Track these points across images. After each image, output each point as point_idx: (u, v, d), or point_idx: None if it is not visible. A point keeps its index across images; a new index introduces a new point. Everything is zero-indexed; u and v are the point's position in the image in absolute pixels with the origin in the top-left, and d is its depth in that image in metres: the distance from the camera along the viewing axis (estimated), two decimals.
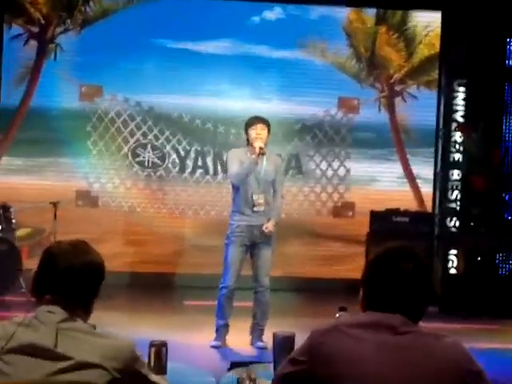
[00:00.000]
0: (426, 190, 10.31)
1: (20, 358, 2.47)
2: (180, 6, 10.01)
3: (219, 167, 10.14)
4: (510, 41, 10.12)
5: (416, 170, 10.34)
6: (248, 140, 6.75)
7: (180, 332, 6.98)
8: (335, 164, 10.33)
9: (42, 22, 9.91)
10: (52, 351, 2.46)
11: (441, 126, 10.21)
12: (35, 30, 9.92)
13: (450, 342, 2.47)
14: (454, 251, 9.48)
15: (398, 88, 10.35)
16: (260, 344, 6.68)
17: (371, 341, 2.42)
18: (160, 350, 3.24)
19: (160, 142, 10.12)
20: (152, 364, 3.21)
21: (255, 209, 6.67)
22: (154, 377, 2.72)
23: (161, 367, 3.22)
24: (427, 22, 10.31)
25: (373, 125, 10.31)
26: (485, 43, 9.79)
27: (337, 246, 10.20)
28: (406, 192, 10.26)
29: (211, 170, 10.18)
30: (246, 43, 10.13)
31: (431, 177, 10.30)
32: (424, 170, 10.33)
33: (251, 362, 3.94)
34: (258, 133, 6.67)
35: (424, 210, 10.11)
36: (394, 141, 10.35)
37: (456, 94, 10.09)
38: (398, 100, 10.35)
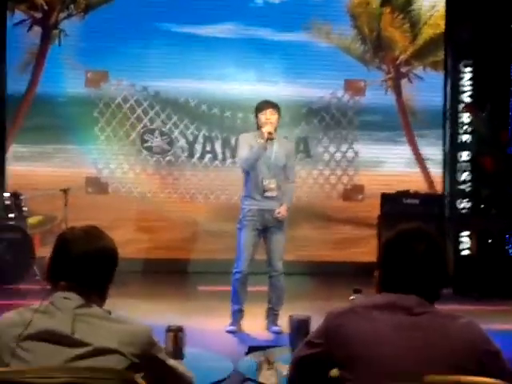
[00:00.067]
0: (436, 171, 10.30)
1: (38, 345, 2.48)
2: None
3: (228, 152, 10.13)
4: None
5: (424, 151, 10.32)
6: (258, 124, 6.72)
7: (195, 318, 6.97)
8: (343, 147, 10.31)
9: (45, 7, 9.88)
10: (69, 337, 2.47)
11: (448, 107, 10.19)
12: (38, 15, 9.89)
13: (466, 323, 2.48)
14: (465, 233, 9.47)
15: (404, 69, 10.32)
16: (275, 328, 6.67)
17: (387, 322, 2.43)
18: (177, 334, 3.26)
19: (168, 127, 10.11)
20: (169, 349, 3.22)
21: (266, 194, 6.65)
22: (171, 361, 2.73)
23: (178, 352, 3.23)
24: (432, 2, 10.27)
25: (380, 107, 10.29)
26: (490, 23, 9.74)
27: (348, 229, 10.20)
28: (415, 174, 10.25)
29: (220, 156, 10.17)
30: (250, 26, 10.09)
31: (440, 158, 10.28)
32: (433, 152, 10.30)
33: (268, 347, 3.96)
34: (268, 117, 6.63)
35: (434, 191, 10.10)
36: (402, 123, 10.32)
37: (462, 75, 10.06)
38: (404, 81, 10.32)
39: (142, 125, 10.05)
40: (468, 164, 10.04)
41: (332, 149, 10.30)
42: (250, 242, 6.66)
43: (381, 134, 10.30)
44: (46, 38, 9.90)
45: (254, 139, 6.68)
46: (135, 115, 10.04)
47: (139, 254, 9.64)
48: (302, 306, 6.51)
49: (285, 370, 2.96)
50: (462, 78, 10.06)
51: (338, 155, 10.31)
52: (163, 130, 10.09)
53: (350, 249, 10.09)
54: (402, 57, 10.29)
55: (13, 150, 9.86)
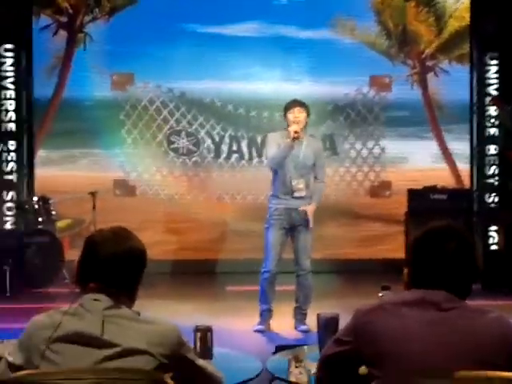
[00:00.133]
0: (463, 166, 10.23)
1: (67, 347, 2.50)
2: None
3: (254, 152, 10.13)
4: None
5: (452, 146, 10.24)
6: (287, 124, 6.70)
7: (223, 318, 6.98)
8: (370, 143, 10.27)
9: (70, 11, 9.93)
10: (99, 339, 2.49)
11: (474, 101, 10.11)
12: (64, 19, 9.94)
13: (495, 317, 2.47)
14: (493, 227, 9.40)
15: (429, 63, 10.25)
16: (303, 327, 6.67)
17: (416, 319, 2.42)
18: (205, 334, 3.26)
19: (194, 127, 10.13)
20: (198, 349, 3.22)
21: (295, 194, 6.64)
22: (200, 361, 2.74)
23: (207, 352, 3.23)
24: None
25: (406, 102, 10.24)
26: None
27: (375, 226, 10.16)
28: (442, 169, 10.18)
29: (246, 155, 10.17)
30: (274, 24, 10.06)
31: (467, 153, 10.21)
32: (460, 146, 10.23)
33: (296, 345, 3.96)
34: (296, 116, 6.61)
35: (461, 186, 10.03)
36: (428, 117, 10.26)
37: (488, 68, 9.98)
38: (430, 76, 10.25)
39: (168, 126, 10.07)
40: (496, 158, 9.96)
41: (358, 145, 10.26)
42: (277, 241, 6.65)
43: (407, 130, 10.25)
44: (71, 42, 9.96)
45: (281, 138, 6.67)
46: (161, 117, 10.07)
47: (167, 255, 9.65)
48: (330, 304, 6.51)
49: (313, 368, 2.95)
50: (487, 71, 9.99)
51: (365, 152, 10.27)
52: (189, 130, 10.11)
53: (378, 246, 10.05)
54: (428, 51, 10.22)
55: (41, 154, 9.94)
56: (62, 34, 9.95)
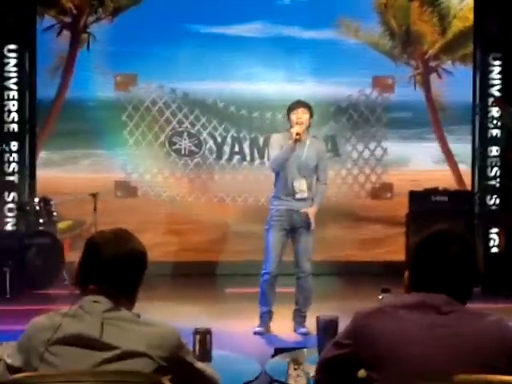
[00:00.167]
0: (465, 167, 10.21)
1: (66, 349, 2.51)
2: None
3: (256, 153, 10.13)
4: None
5: (454, 147, 10.23)
6: (290, 125, 6.68)
7: (223, 320, 6.98)
8: (372, 145, 10.26)
9: (74, 11, 9.92)
10: (98, 341, 2.49)
11: (477, 102, 10.10)
12: (68, 20, 9.93)
13: (495, 320, 2.47)
14: (494, 229, 9.38)
15: (432, 64, 10.24)
16: (302, 330, 6.65)
17: (416, 322, 2.42)
18: (204, 337, 3.26)
19: (196, 128, 10.12)
20: (197, 351, 3.22)
21: (297, 196, 6.63)
22: (199, 364, 2.74)
23: (206, 354, 3.24)
24: None
25: (409, 103, 10.22)
26: None
27: (377, 228, 10.15)
28: (444, 171, 10.16)
29: (248, 156, 10.16)
30: (277, 24, 10.04)
31: (469, 154, 10.19)
32: (462, 148, 10.21)
33: (295, 348, 3.96)
34: (299, 117, 6.59)
35: (463, 188, 10.01)
36: (431, 119, 10.24)
37: (492, 69, 9.96)
38: (433, 77, 10.24)
39: (170, 127, 10.07)
40: (497, 159, 9.94)
41: (360, 147, 10.25)
42: (277, 243, 6.63)
43: (410, 131, 10.23)
44: (75, 43, 9.95)
45: (284, 140, 6.66)
46: (164, 118, 10.07)
47: (168, 256, 9.64)
48: (330, 306, 6.50)
49: (312, 371, 2.95)
50: (491, 72, 9.96)
51: (367, 153, 10.26)
52: (191, 131, 10.11)
53: (379, 248, 10.04)
54: (431, 51, 10.21)
55: (42, 155, 9.94)
56: (66, 34, 9.94)
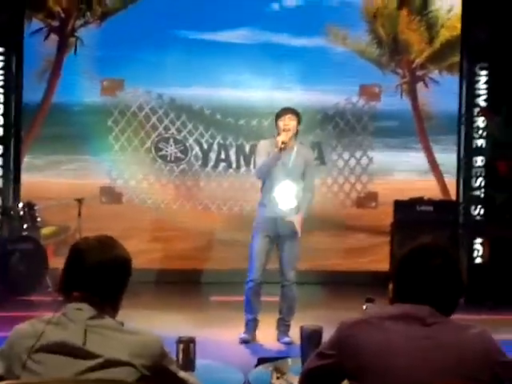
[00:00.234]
0: (450, 177, 10.23)
1: (49, 357, 2.50)
2: None
3: (242, 160, 10.12)
4: None
5: (439, 157, 10.24)
6: (277, 131, 6.67)
7: (207, 328, 6.97)
8: (358, 154, 10.26)
9: (62, 15, 9.89)
10: (81, 349, 2.48)
11: (463, 112, 10.13)
12: (55, 24, 9.90)
13: (478, 332, 2.48)
14: (479, 240, 9.41)
15: (419, 73, 10.24)
16: (286, 339, 6.63)
17: (401, 333, 2.43)
18: (188, 346, 3.24)
19: (182, 135, 10.10)
20: (180, 361, 3.21)
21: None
22: (182, 373, 2.73)
23: (189, 363, 3.22)
24: (449, 5, 10.19)
25: (395, 112, 10.23)
26: (507, 26, 9.68)
27: (361, 237, 10.14)
28: (429, 181, 10.16)
29: (234, 164, 10.15)
30: (265, 31, 10.04)
31: (455, 164, 10.21)
32: (447, 158, 10.22)
33: (278, 358, 3.94)
34: (286, 123, 6.58)
35: (448, 198, 10.03)
36: (417, 128, 10.26)
37: (478, 78, 10.00)
38: (419, 86, 10.25)
39: (156, 133, 10.04)
40: (482, 169, 9.97)
41: (346, 155, 10.25)
42: (261, 250, 6.61)
43: (395, 141, 10.24)
44: (62, 47, 9.91)
45: (271, 146, 6.64)
46: (150, 123, 10.04)
47: (152, 264, 9.61)
48: (314, 315, 6.48)
49: (296, 381, 2.94)
50: (477, 82, 9.99)
51: (352, 162, 10.26)
52: (178, 138, 10.09)
53: (364, 257, 10.04)
54: (418, 60, 10.22)
55: (27, 159, 9.89)
56: (53, 38, 9.90)
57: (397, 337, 2.42)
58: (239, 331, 6.73)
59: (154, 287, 9.43)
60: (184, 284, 9.39)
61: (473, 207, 9.92)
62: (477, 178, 9.97)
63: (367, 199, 10.23)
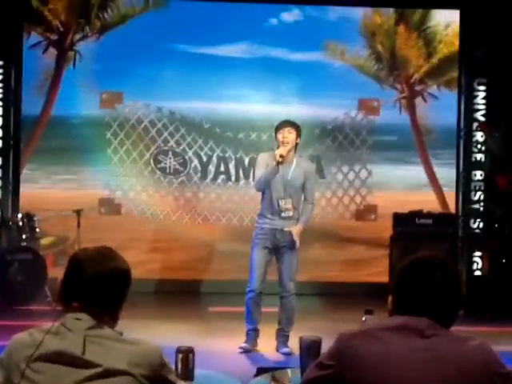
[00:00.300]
0: (449, 191, 10.25)
1: (48, 366, 2.49)
2: (197, 9, 9.98)
3: (241, 173, 10.13)
4: None
5: (438, 171, 10.26)
6: (277, 144, 6.69)
7: (206, 339, 6.97)
8: (357, 167, 10.28)
9: (61, 29, 9.93)
10: (80, 359, 2.47)
11: (462, 127, 10.15)
12: (54, 37, 9.94)
13: (478, 344, 2.46)
14: (478, 253, 9.41)
15: (418, 88, 10.28)
16: (285, 350, 6.65)
17: (400, 345, 2.42)
18: (187, 356, 3.23)
19: (182, 147, 10.11)
20: (179, 370, 3.20)
21: (283, 214, 6.64)
22: (181, 383, 2.72)
23: (188, 374, 3.21)
24: (447, 21, 10.23)
25: (393, 126, 10.26)
26: (505, 41, 9.73)
27: (360, 250, 10.15)
28: (428, 194, 10.19)
29: (233, 177, 10.16)
30: (264, 46, 10.10)
31: (454, 178, 10.23)
32: (446, 172, 10.25)
33: (277, 368, 3.93)
34: (285, 136, 6.60)
35: (447, 211, 10.04)
36: (416, 142, 10.28)
37: (476, 94, 10.04)
38: (418, 100, 10.28)
39: (155, 146, 10.06)
40: (481, 183, 10.01)
41: (345, 169, 10.27)
42: (261, 261, 6.64)
43: (394, 154, 10.27)
44: (61, 60, 9.95)
45: (270, 159, 6.66)
46: (149, 136, 10.06)
47: (151, 274, 9.63)
48: (313, 326, 6.49)
49: None
50: (476, 97, 10.05)
51: (352, 175, 10.28)
52: (177, 150, 10.10)
53: (363, 269, 10.05)
54: (417, 75, 10.25)
55: (26, 171, 9.90)
56: (52, 51, 9.94)
57: (396, 348, 2.41)
58: (238, 341, 6.73)
59: (152, 297, 9.43)
60: (183, 294, 9.38)
61: (472, 221, 9.95)
62: (476, 191, 10.00)
63: (366, 212, 10.24)
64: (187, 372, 3.23)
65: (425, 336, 2.42)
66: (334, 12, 10.23)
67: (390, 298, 2.59)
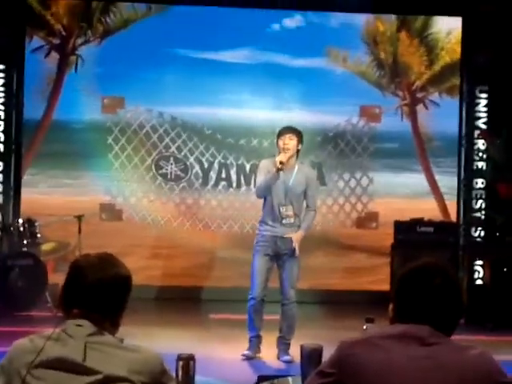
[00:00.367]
0: (450, 199, 10.24)
1: (49, 373, 2.48)
2: (199, 15, 10.00)
3: (242, 180, 10.12)
4: None
5: (440, 179, 10.26)
6: (278, 150, 6.69)
7: (206, 346, 6.95)
8: (358, 174, 10.27)
9: (63, 33, 9.94)
10: (81, 365, 2.47)
11: (463, 134, 10.15)
12: (56, 41, 9.95)
13: (479, 353, 2.45)
14: (479, 262, 9.40)
15: (419, 95, 10.28)
16: (286, 358, 6.65)
17: (401, 353, 2.41)
18: (187, 363, 3.22)
19: (183, 153, 10.11)
20: (179, 378, 3.19)
21: (284, 221, 6.64)
22: None
23: (188, 381, 3.20)
24: (449, 29, 10.24)
25: (395, 133, 10.25)
26: (506, 49, 9.74)
27: (361, 257, 10.14)
28: (429, 202, 10.18)
29: (234, 183, 10.15)
30: (266, 51, 10.10)
31: (455, 186, 10.23)
32: (447, 180, 10.25)
33: (278, 376, 3.92)
34: (286, 143, 6.61)
35: (448, 219, 10.03)
36: (417, 150, 10.28)
37: (478, 101, 10.04)
38: (419, 107, 10.28)
39: (157, 151, 10.06)
40: (482, 191, 10.00)
41: (346, 176, 10.27)
42: (262, 268, 6.65)
43: (396, 162, 10.26)
44: (63, 65, 9.96)
45: (272, 166, 6.67)
46: (151, 141, 10.05)
47: (152, 281, 9.61)
48: (314, 334, 6.46)
49: None
50: (477, 104, 10.05)
51: (353, 182, 10.27)
52: (178, 156, 10.10)
53: (364, 277, 10.03)
54: (418, 82, 10.26)
55: (27, 176, 9.90)
56: (54, 55, 9.95)
57: (397, 356, 2.41)
58: (239, 349, 6.74)
59: (153, 304, 9.42)
60: (183, 301, 9.38)
61: (473, 229, 9.94)
62: (477, 199, 9.99)
63: (367, 219, 10.23)
64: (188, 379, 3.22)
65: (426, 344, 2.42)
66: (336, 18, 10.24)
67: (390, 306, 2.59)
